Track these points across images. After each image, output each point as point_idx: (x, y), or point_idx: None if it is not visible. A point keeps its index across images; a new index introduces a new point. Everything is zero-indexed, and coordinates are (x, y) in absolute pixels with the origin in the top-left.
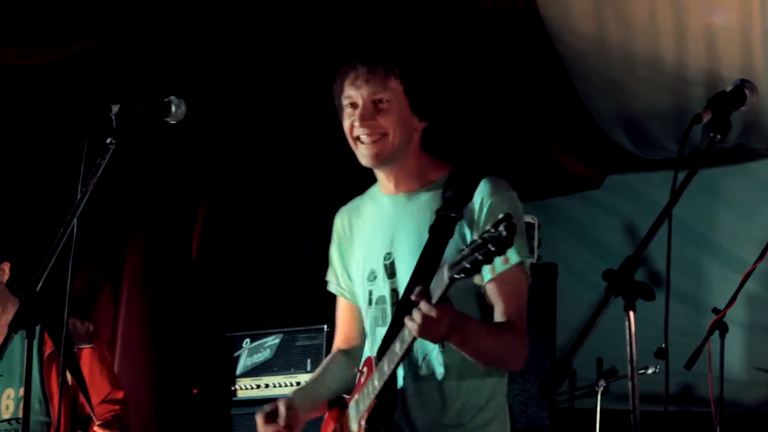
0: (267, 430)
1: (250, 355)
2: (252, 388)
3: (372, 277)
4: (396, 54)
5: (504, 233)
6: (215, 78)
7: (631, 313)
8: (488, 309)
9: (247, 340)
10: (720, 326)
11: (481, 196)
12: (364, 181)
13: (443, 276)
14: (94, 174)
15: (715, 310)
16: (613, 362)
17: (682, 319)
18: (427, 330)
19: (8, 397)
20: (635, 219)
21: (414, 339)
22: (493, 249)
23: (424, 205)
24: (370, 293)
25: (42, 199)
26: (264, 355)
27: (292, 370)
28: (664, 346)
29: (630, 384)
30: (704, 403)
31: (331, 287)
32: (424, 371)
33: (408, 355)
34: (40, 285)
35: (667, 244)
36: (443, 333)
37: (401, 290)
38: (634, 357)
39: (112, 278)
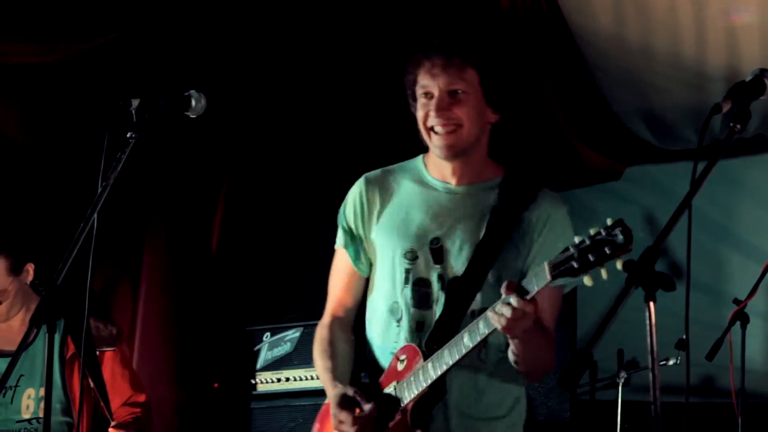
0: (348, 417)
1: (270, 348)
2: (272, 382)
3: (411, 256)
4: (473, 46)
5: (621, 238)
6: (234, 70)
7: (652, 304)
8: None
9: (268, 333)
10: (741, 317)
11: (542, 207)
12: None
13: (544, 273)
14: (114, 168)
15: (736, 301)
16: (634, 354)
17: (703, 310)
18: (514, 325)
19: (29, 397)
20: (655, 210)
21: (491, 332)
22: (608, 252)
23: (482, 202)
24: (407, 272)
25: (65, 197)
26: (284, 348)
27: (312, 363)
28: (684, 337)
29: (651, 375)
30: (725, 394)
31: (339, 242)
32: (464, 362)
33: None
34: (60, 279)
35: (688, 234)
36: (526, 328)
37: (448, 278)
38: (655, 348)
39: (131, 274)
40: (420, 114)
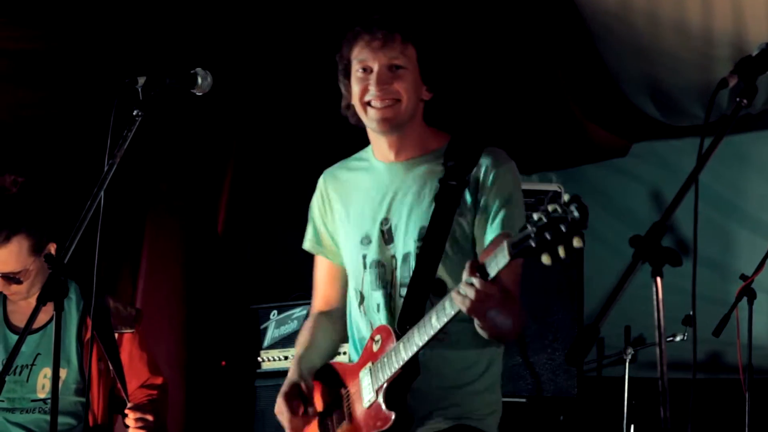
0: (293, 407)
1: (277, 326)
2: (280, 360)
3: (366, 241)
4: (412, 22)
5: (576, 214)
6: (240, 47)
7: (659, 279)
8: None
9: (275, 311)
10: (748, 293)
11: (485, 165)
12: None
13: (504, 253)
14: (120, 146)
15: (743, 277)
16: (641, 330)
17: (710, 286)
18: (479, 306)
19: (45, 376)
20: (662, 186)
21: (457, 313)
22: (564, 230)
23: (424, 174)
24: (364, 257)
25: (85, 175)
26: (291, 326)
27: None
28: (691, 313)
29: (658, 350)
30: (733, 370)
31: (308, 246)
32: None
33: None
34: (67, 258)
35: (694, 210)
36: (491, 308)
37: (399, 256)
38: (662, 323)
39: (132, 255)
40: (357, 88)
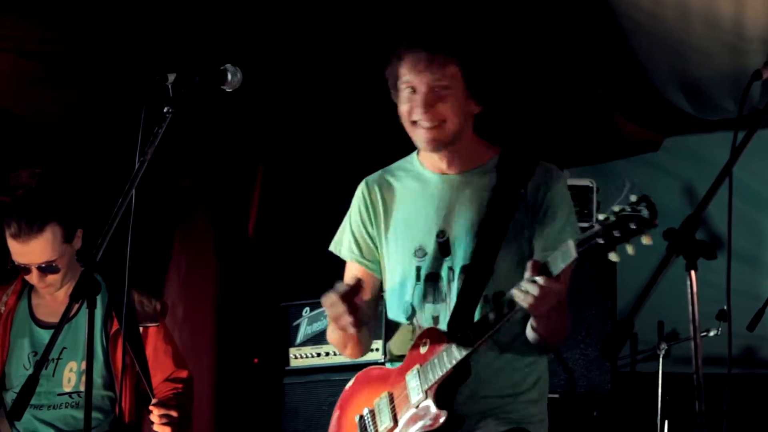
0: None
1: (310, 323)
2: (312, 357)
3: (420, 253)
4: (455, 40)
5: (646, 212)
6: (270, 44)
7: (693, 273)
8: None
9: (307, 308)
10: None
11: (541, 180)
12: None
13: (570, 251)
14: (151, 143)
15: None
16: (674, 325)
17: (743, 281)
18: (542, 303)
19: (71, 370)
20: (694, 181)
21: (515, 312)
22: (634, 227)
23: (479, 186)
24: (418, 269)
25: (110, 164)
26: (324, 323)
27: None
28: (726, 307)
29: (693, 344)
30: (767, 365)
31: (349, 256)
32: (484, 345)
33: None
34: (99, 255)
35: (728, 203)
36: (553, 306)
37: (457, 268)
38: (696, 316)
39: (164, 254)
40: (404, 108)
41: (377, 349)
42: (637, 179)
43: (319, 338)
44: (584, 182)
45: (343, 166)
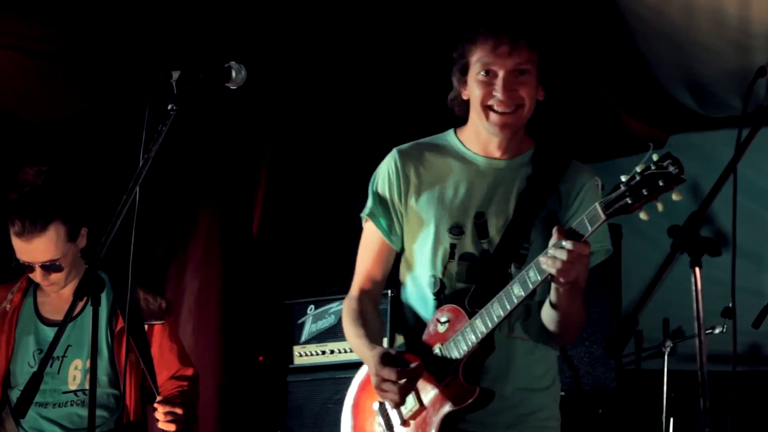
0: (392, 373)
1: (314, 321)
2: (317, 354)
3: (457, 231)
4: (533, 26)
5: (673, 169)
6: (275, 41)
7: (698, 270)
8: None
9: (312, 306)
10: None
11: (575, 179)
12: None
13: (598, 213)
14: (155, 141)
15: None
16: (680, 323)
17: (748, 278)
18: (571, 268)
19: (76, 368)
20: (700, 178)
21: (543, 279)
22: (662, 184)
23: (519, 175)
24: (453, 247)
25: (114, 161)
26: (328, 321)
27: None
28: (731, 305)
29: (697, 341)
30: None
31: (368, 214)
32: (515, 333)
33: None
34: (103, 252)
35: (733, 200)
36: (581, 273)
37: (491, 251)
38: (701, 314)
39: (180, 249)
40: (479, 92)
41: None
42: None
43: (323, 336)
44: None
45: (347, 165)
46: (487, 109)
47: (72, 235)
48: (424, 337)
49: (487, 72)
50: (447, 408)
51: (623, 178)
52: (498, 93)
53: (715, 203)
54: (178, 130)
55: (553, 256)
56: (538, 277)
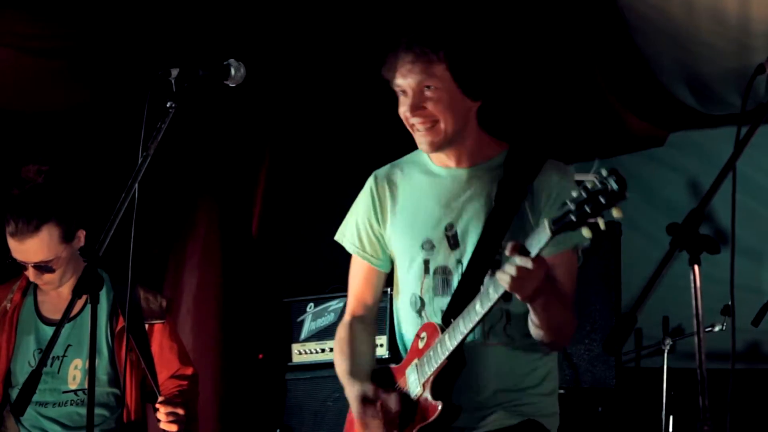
0: (373, 413)
1: (314, 319)
2: (316, 352)
3: (428, 245)
4: (440, 38)
5: (615, 186)
6: (275, 43)
7: (696, 267)
8: None
9: (311, 304)
10: None
11: (548, 177)
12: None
13: (545, 229)
14: (154, 138)
15: None
16: (680, 321)
17: (748, 276)
18: (521, 283)
19: (76, 367)
20: (699, 176)
21: (501, 295)
22: (603, 202)
23: (487, 180)
24: (426, 262)
25: (114, 163)
26: (328, 319)
27: None
28: (730, 302)
29: (696, 338)
30: None
31: (351, 249)
32: (490, 340)
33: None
34: (102, 250)
35: (732, 197)
36: (536, 287)
37: (465, 261)
38: (700, 311)
39: (177, 247)
40: (401, 111)
41: (381, 345)
42: (642, 174)
43: (323, 334)
44: (590, 177)
45: (347, 164)
46: (411, 127)
47: (67, 236)
48: (408, 353)
49: (402, 92)
50: (418, 423)
51: (573, 194)
52: (408, 114)
53: (715, 201)
54: (176, 128)
55: (507, 273)
56: (496, 294)
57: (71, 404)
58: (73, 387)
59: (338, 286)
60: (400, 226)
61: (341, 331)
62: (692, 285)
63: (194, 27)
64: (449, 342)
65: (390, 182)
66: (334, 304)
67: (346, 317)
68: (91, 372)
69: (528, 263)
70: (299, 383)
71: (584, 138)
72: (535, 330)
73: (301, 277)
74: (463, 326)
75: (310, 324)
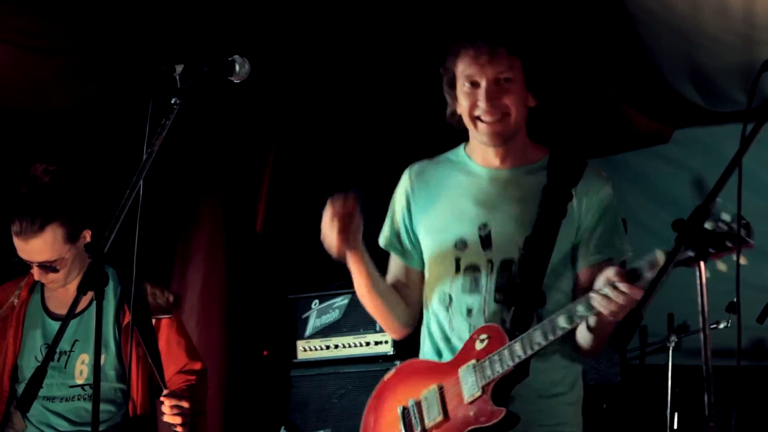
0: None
1: (319, 316)
2: (321, 349)
3: (461, 244)
4: (515, 33)
5: (744, 232)
6: (281, 40)
7: (702, 264)
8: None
9: (316, 301)
10: None
11: (590, 183)
12: (427, 143)
13: (658, 262)
14: (159, 135)
15: None
16: (684, 318)
17: (753, 273)
18: (623, 310)
19: (83, 362)
20: (704, 173)
21: (590, 315)
22: (729, 245)
23: (526, 184)
24: (458, 260)
25: (120, 162)
26: (333, 315)
27: (361, 330)
28: (736, 300)
29: (702, 335)
30: None
31: (383, 242)
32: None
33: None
34: (107, 247)
35: (738, 193)
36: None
37: (497, 262)
38: (706, 308)
39: (182, 242)
40: (465, 103)
41: (386, 342)
42: (646, 171)
43: (327, 331)
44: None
45: (352, 161)
46: (475, 120)
47: (71, 236)
48: (460, 352)
49: (472, 83)
50: (471, 425)
51: (707, 225)
52: (482, 103)
53: (720, 198)
54: (181, 124)
55: (608, 297)
56: (587, 313)
57: (78, 399)
58: (80, 382)
59: (343, 282)
60: (434, 223)
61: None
62: (698, 282)
63: (199, 23)
64: (521, 350)
65: (426, 179)
66: (339, 301)
67: None
68: (96, 367)
69: (637, 293)
70: (304, 380)
71: (589, 135)
72: (586, 338)
73: (306, 274)
74: (541, 337)
75: (314, 321)
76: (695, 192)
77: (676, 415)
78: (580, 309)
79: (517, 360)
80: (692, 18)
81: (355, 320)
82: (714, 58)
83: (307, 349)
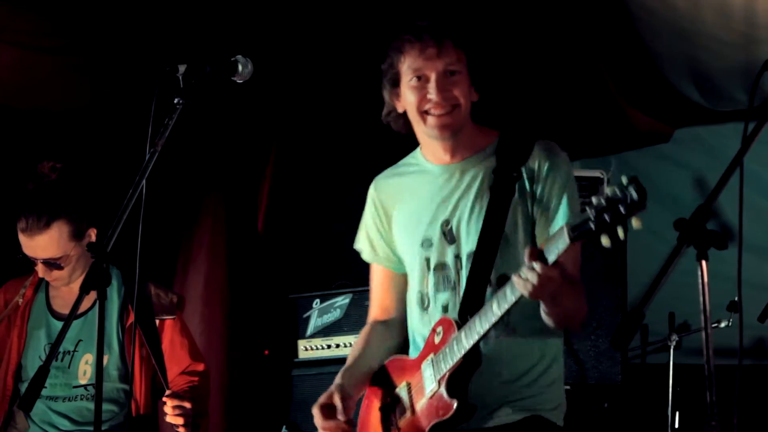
0: (328, 425)
1: (320, 315)
2: (322, 348)
3: (427, 244)
4: (461, 26)
5: (635, 195)
6: (282, 41)
7: (704, 263)
8: None
9: (317, 300)
10: None
11: (539, 157)
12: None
13: (564, 237)
14: (162, 134)
15: None
16: (686, 317)
17: (754, 272)
18: (540, 290)
19: (86, 362)
20: (706, 172)
21: (519, 299)
22: (623, 212)
23: (479, 172)
24: (427, 260)
25: (125, 161)
26: (334, 315)
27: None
28: (737, 298)
29: (704, 334)
30: None
31: (366, 256)
32: (490, 333)
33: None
34: (110, 246)
35: (739, 192)
36: (553, 293)
37: (464, 255)
38: (707, 307)
39: (185, 242)
40: (413, 98)
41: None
42: (647, 171)
43: (329, 330)
44: (595, 173)
45: (353, 160)
46: (424, 114)
47: (77, 234)
48: (423, 347)
49: (419, 77)
50: (433, 419)
51: (594, 200)
52: (432, 95)
53: (722, 197)
54: (184, 124)
55: (525, 278)
56: (513, 297)
57: (81, 399)
58: (83, 382)
59: (344, 282)
60: (402, 227)
61: (363, 330)
62: (700, 281)
63: (202, 23)
64: (465, 341)
65: (387, 187)
66: (340, 300)
67: (369, 319)
68: (99, 367)
69: (549, 271)
70: (305, 379)
71: (590, 134)
72: (546, 318)
73: (307, 274)
74: (479, 326)
75: (316, 320)
76: (696, 191)
77: (677, 414)
78: (508, 292)
79: (463, 351)
80: (693, 17)
81: (357, 319)
82: (715, 57)
83: (309, 349)
